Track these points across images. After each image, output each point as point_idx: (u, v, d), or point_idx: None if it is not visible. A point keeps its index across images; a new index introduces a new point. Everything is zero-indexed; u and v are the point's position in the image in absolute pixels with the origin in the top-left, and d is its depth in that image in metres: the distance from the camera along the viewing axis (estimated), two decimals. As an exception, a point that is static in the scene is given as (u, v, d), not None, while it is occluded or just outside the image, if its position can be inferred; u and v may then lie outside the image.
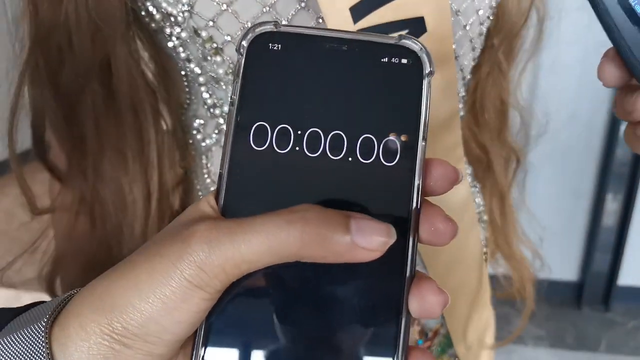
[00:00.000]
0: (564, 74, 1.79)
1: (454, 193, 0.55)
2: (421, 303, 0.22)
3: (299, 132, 0.23)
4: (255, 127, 0.23)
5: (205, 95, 0.45)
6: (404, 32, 0.40)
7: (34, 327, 0.21)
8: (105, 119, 0.43)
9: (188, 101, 0.47)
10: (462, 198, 0.53)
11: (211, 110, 0.46)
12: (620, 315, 2.04)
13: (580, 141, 1.93)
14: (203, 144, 0.48)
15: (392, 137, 0.23)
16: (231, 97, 0.23)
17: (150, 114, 0.45)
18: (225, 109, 0.45)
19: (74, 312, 0.22)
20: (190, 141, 0.49)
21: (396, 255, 0.22)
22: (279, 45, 0.23)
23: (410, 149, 0.23)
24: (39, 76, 0.43)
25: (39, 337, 0.21)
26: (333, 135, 0.23)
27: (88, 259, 0.48)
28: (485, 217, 0.62)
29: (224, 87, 0.44)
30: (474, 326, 0.58)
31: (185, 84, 0.46)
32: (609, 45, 0.30)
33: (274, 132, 0.23)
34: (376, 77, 0.23)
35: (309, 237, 0.20)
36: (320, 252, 0.20)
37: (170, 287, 0.20)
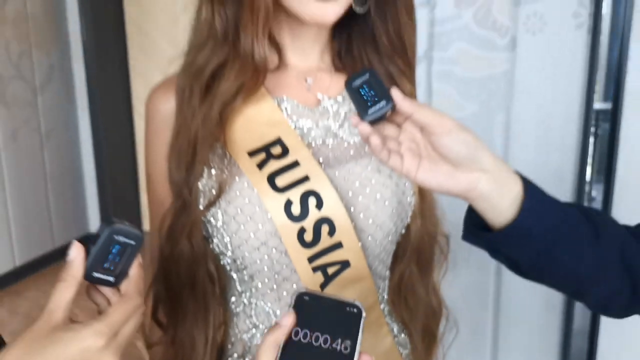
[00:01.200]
0: (536, 94, 1.80)
1: (379, 344, 0.83)
2: None
3: (311, 333, 0.52)
4: (293, 331, 0.52)
5: (236, 285, 0.81)
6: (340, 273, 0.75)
7: None
8: (187, 299, 0.79)
9: (229, 287, 0.83)
10: (386, 349, 0.82)
11: (240, 295, 0.82)
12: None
13: (552, 163, 1.96)
14: (234, 311, 0.83)
15: (346, 342, 0.52)
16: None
17: (210, 296, 0.80)
18: (246, 295, 0.82)
19: None
20: (227, 308, 0.86)
21: None
22: (307, 297, 0.54)
23: (353, 350, 0.52)
24: (157, 283, 0.81)
25: None
26: (324, 336, 0.52)
27: None
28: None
29: (245, 280, 0.80)
30: None
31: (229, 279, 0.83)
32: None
33: (299, 333, 0.53)
34: (344, 316, 0.53)
35: None
36: None
37: None
